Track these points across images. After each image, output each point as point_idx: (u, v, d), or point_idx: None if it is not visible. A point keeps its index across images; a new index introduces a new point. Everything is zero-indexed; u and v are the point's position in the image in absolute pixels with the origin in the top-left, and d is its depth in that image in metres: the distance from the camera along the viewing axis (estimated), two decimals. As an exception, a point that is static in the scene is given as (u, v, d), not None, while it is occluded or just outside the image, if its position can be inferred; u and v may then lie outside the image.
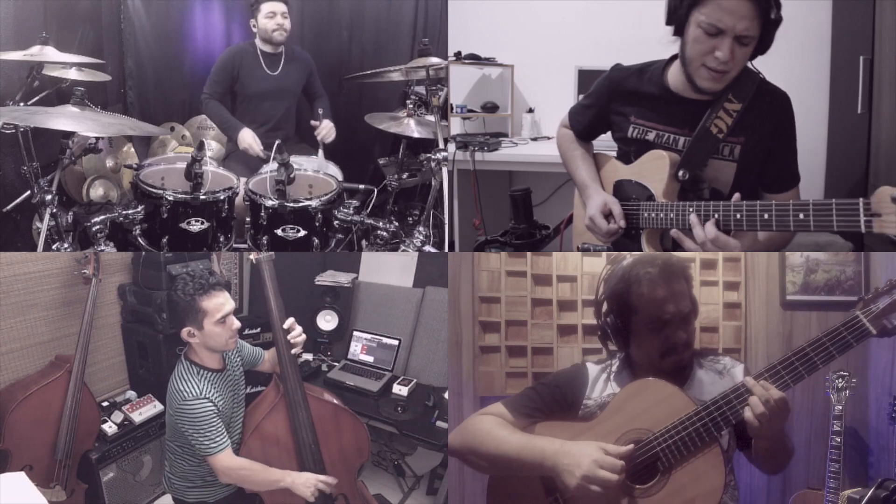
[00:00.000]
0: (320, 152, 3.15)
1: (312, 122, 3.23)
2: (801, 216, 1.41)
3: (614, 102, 1.93)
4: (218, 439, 1.84)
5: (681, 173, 1.75)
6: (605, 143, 2.12)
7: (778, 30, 1.65)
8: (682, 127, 1.79)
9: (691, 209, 1.64)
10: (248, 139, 3.02)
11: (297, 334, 2.01)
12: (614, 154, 2.02)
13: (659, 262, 1.48)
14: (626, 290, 1.48)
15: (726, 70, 1.65)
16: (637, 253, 1.66)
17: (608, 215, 1.85)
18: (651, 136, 1.84)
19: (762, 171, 1.78)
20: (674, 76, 1.81)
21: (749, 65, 1.72)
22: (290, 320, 2.01)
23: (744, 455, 1.53)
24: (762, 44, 1.65)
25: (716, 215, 1.58)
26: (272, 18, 3.09)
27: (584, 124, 2.07)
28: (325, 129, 3.20)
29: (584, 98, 2.09)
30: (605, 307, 1.55)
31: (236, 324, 1.92)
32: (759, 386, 1.33)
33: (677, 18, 1.69)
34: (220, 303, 1.88)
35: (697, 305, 1.51)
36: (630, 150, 1.91)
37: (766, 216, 1.48)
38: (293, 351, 2.01)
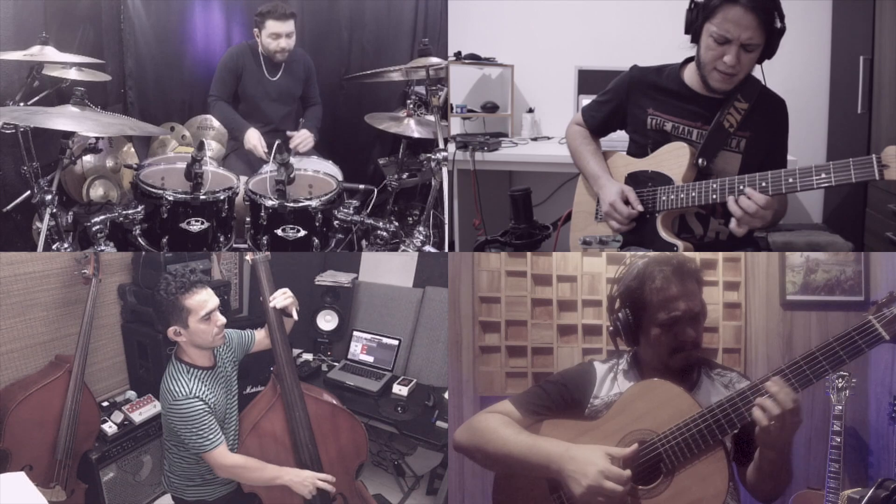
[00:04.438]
0: (313, 155, 3.13)
1: (288, 133, 3.14)
2: (823, 175, 1.65)
3: (633, 96, 2.09)
4: (211, 436, 1.84)
5: (700, 161, 1.94)
6: (607, 142, 2.21)
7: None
8: (696, 120, 1.98)
9: (715, 185, 1.84)
10: (254, 140, 3.00)
11: (281, 299, 2.00)
12: (621, 150, 2.16)
13: (674, 261, 1.53)
14: (640, 286, 1.52)
15: (734, 73, 1.87)
16: (651, 253, 1.70)
17: (626, 202, 1.99)
18: (668, 126, 2.02)
19: (761, 164, 1.91)
20: (689, 75, 2.01)
21: (759, 71, 1.95)
22: (280, 291, 2.01)
23: (738, 476, 1.52)
24: (767, 50, 1.87)
25: (741, 186, 1.78)
26: (275, 40, 3.03)
27: (600, 119, 2.20)
28: (300, 139, 3.12)
29: (600, 95, 2.23)
30: (617, 303, 1.58)
31: (221, 320, 1.92)
32: (774, 385, 1.32)
33: (693, 29, 1.92)
34: (203, 300, 1.88)
35: (706, 309, 1.54)
36: (647, 142, 2.06)
37: (790, 180, 1.71)
38: (283, 309, 2.00)
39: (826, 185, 1.65)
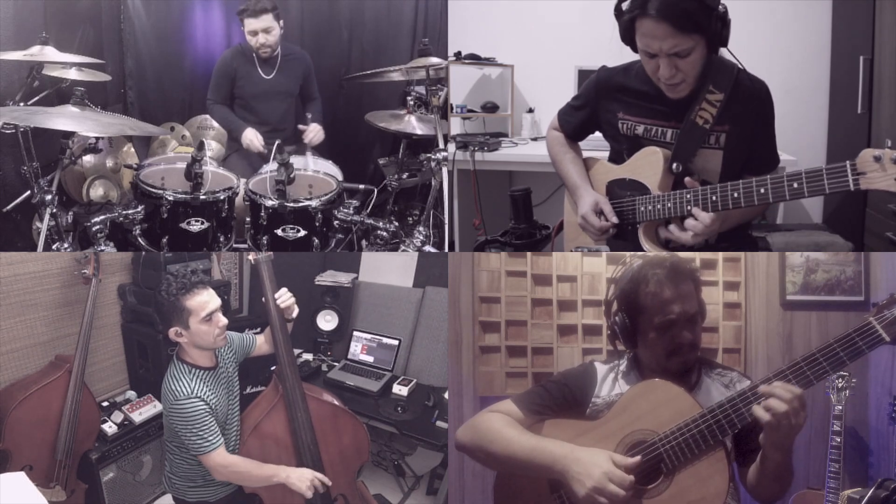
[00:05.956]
0: (308, 154, 3.14)
1: (300, 127, 3.20)
2: (795, 185, 1.50)
3: (603, 100, 1.99)
4: (210, 438, 1.84)
5: (674, 166, 1.81)
6: (593, 142, 2.17)
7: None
8: (669, 120, 1.85)
9: (689, 196, 1.71)
10: (250, 135, 3.03)
11: (286, 299, 2.01)
12: (603, 156, 2.07)
13: (667, 263, 1.51)
14: (635, 289, 1.51)
15: (678, 81, 1.73)
16: (647, 254, 1.69)
17: (600, 213, 1.91)
18: (640, 129, 1.90)
19: (747, 157, 1.85)
20: None
21: (731, 55, 1.79)
22: (282, 290, 2.02)
23: (738, 476, 1.51)
24: (714, 38, 1.69)
25: (713, 197, 1.66)
26: (253, 37, 3.05)
27: (574, 125, 2.12)
28: (313, 132, 3.16)
29: (572, 99, 2.14)
30: (614, 306, 1.57)
31: (223, 321, 1.92)
32: (779, 385, 1.31)
33: (629, 43, 1.79)
34: (204, 300, 1.88)
35: (705, 308, 1.53)
36: (622, 148, 1.97)
37: (762, 190, 1.57)
38: (284, 313, 2.00)
39: (798, 195, 1.50)
